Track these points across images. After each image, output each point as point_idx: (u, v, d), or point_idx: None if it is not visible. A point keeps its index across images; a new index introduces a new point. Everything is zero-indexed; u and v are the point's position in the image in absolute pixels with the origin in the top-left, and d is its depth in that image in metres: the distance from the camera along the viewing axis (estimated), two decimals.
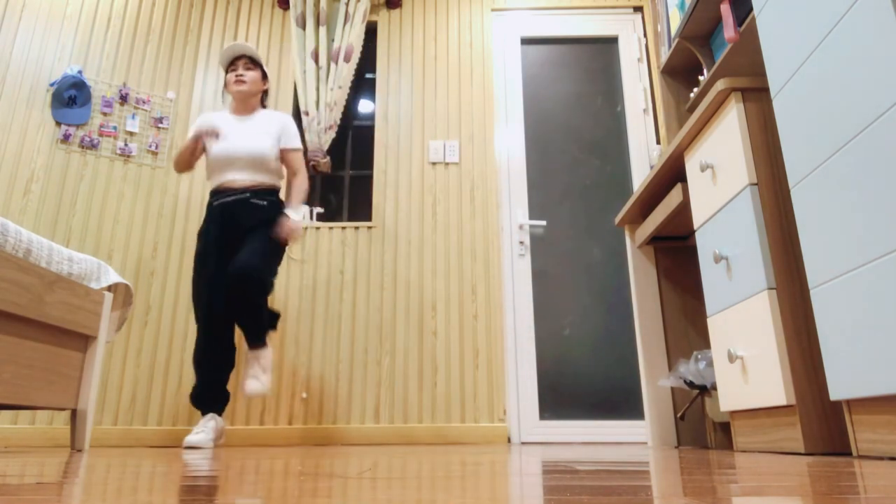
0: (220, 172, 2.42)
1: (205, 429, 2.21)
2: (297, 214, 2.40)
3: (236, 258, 2.25)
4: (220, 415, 2.32)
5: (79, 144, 3.00)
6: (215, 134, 2.33)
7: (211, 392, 2.29)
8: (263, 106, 2.63)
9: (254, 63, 2.52)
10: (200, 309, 2.32)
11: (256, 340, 2.26)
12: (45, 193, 2.88)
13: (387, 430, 2.77)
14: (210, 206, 2.43)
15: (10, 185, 2.82)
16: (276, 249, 2.35)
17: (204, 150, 2.49)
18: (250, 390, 2.19)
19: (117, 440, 2.77)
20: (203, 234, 2.41)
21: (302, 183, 2.49)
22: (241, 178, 2.39)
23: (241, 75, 2.47)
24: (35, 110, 2.95)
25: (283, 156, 2.50)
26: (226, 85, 2.53)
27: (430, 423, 2.78)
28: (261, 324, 2.26)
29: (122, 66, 3.20)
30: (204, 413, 2.29)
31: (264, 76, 2.58)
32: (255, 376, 2.22)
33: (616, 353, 2.93)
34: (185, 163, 2.44)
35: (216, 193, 2.42)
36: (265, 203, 2.39)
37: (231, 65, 2.52)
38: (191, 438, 2.15)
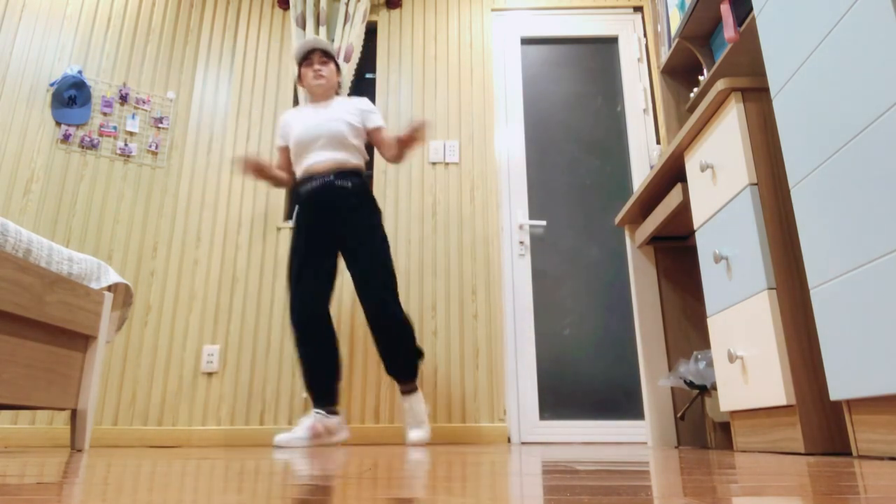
0: (303, 157, 2.40)
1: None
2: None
3: (362, 283, 2.24)
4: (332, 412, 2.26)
5: (79, 144, 3.00)
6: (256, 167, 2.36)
7: (326, 378, 2.23)
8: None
9: (328, 56, 2.53)
10: (298, 306, 2.25)
11: (407, 375, 2.26)
12: (45, 193, 2.88)
13: (387, 430, 2.77)
14: (297, 196, 2.41)
15: (10, 185, 2.82)
16: (383, 256, 2.30)
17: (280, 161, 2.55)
18: (417, 439, 2.21)
19: (117, 440, 2.77)
20: (296, 231, 2.38)
21: (394, 145, 2.44)
22: (322, 158, 2.36)
23: (319, 69, 2.48)
24: (35, 110, 2.95)
25: (373, 136, 2.49)
26: (300, 79, 2.54)
27: (430, 423, 2.78)
28: (408, 353, 2.25)
29: (122, 66, 3.20)
30: (319, 404, 2.22)
31: (338, 68, 2.59)
32: (417, 426, 2.26)
33: (616, 353, 2.93)
34: (276, 181, 2.48)
35: (301, 182, 2.41)
36: (350, 185, 2.35)
37: (305, 59, 2.52)
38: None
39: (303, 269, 2.30)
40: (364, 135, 2.49)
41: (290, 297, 2.30)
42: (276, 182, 2.49)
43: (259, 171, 2.39)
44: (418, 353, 2.30)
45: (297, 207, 2.43)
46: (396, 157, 2.45)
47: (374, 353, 2.90)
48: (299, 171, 2.43)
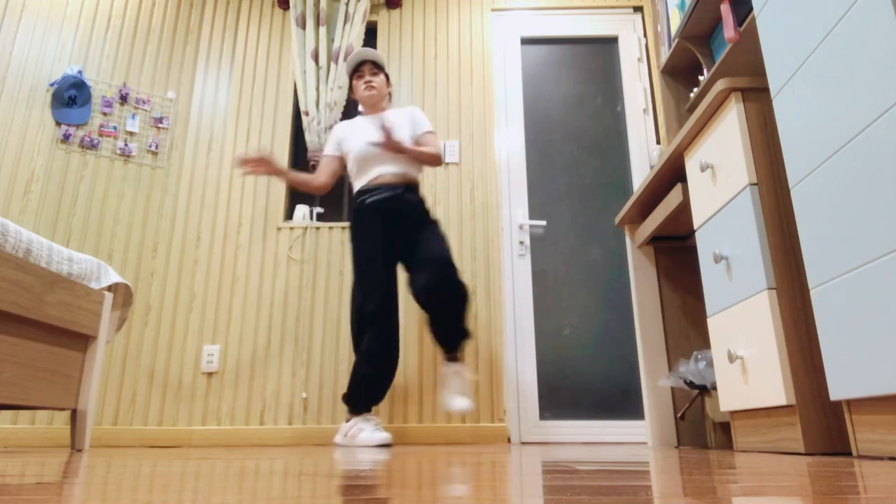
0: (366, 170, 2.43)
1: (379, 426, 2.25)
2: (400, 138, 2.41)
3: (427, 249, 2.27)
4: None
5: (79, 144, 3.00)
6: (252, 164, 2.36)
7: (381, 386, 2.29)
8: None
9: (378, 67, 2.56)
10: (371, 307, 2.28)
11: (459, 343, 2.28)
12: (45, 193, 2.88)
13: (387, 430, 2.77)
14: (362, 204, 2.41)
15: (10, 185, 2.82)
16: (447, 241, 2.39)
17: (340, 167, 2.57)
18: (462, 408, 2.20)
19: (117, 440, 2.77)
20: (364, 236, 2.38)
21: (434, 150, 2.43)
22: (387, 171, 2.41)
23: (370, 81, 2.52)
24: (35, 110, 2.95)
25: (419, 140, 2.52)
26: (352, 90, 2.59)
27: (430, 423, 2.78)
28: (463, 321, 2.27)
29: (122, 66, 3.20)
30: (363, 411, 2.28)
31: (388, 78, 2.62)
32: (463, 394, 2.24)
33: (616, 353, 2.93)
34: (317, 190, 2.50)
35: (365, 192, 2.42)
36: (416, 200, 2.42)
37: (356, 71, 2.56)
38: (376, 436, 2.19)
39: (372, 268, 2.33)
40: (416, 142, 2.53)
41: (359, 293, 2.32)
42: (293, 181, 2.47)
43: (263, 165, 2.35)
44: (467, 303, 2.32)
45: (356, 216, 2.43)
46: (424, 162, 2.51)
47: None
48: (361, 182, 2.45)
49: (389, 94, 2.65)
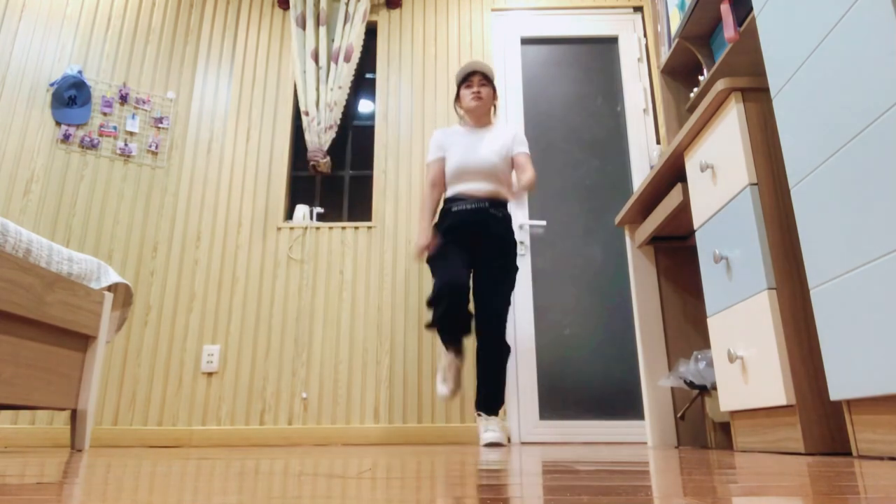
0: (459, 183, 2.47)
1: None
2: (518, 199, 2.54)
3: (487, 300, 2.33)
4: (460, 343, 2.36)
5: (79, 144, 3.00)
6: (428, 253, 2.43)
7: (461, 319, 2.29)
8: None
9: (487, 80, 2.56)
10: (440, 280, 2.28)
11: (494, 408, 2.32)
12: (45, 193, 2.88)
13: (387, 430, 2.77)
14: (448, 210, 2.45)
15: (10, 185, 2.82)
16: (513, 287, 2.43)
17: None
18: (491, 440, 2.23)
19: (117, 440, 2.77)
20: (448, 229, 2.41)
21: (532, 175, 2.46)
22: (478, 188, 2.44)
23: (478, 92, 2.52)
24: (35, 110, 2.95)
25: (514, 160, 2.53)
26: (459, 99, 2.59)
27: (430, 423, 2.78)
28: (500, 386, 2.32)
29: (122, 66, 3.20)
30: (450, 345, 2.33)
31: (495, 92, 2.63)
32: (493, 430, 2.26)
33: (616, 353, 2.93)
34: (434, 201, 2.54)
35: (454, 200, 2.45)
36: (501, 216, 2.44)
37: (465, 81, 2.56)
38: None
39: (449, 255, 2.36)
40: (511, 161, 2.55)
41: (437, 278, 2.32)
42: (432, 217, 2.53)
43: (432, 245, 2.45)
44: (503, 389, 2.36)
45: (441, 217, 2.46)
46: (518, 176, 2.54)
47: (375, 352, 2.90)
48: (453, 191, 2.48)
49: (495, 106, 2.65)
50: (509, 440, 2.79)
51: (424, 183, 2.60)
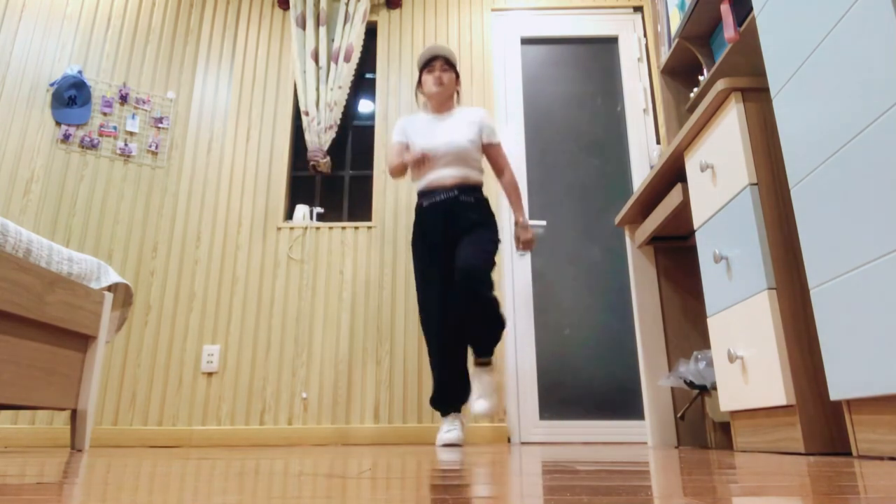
0: (425, 171, 2.42)
1: (455, 426, 2.26)
2: (525, 219, 2.47)
3: (459, 256, 2.26)
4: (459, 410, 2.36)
5: (79, 144, 3.00)
6: (424, 162, 2.35)
7: (452, 392, 2.32)
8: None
9: (449, 65, 2.53)
10: (433, 318, 2.32)
11: (485, 351, 2.27)
12: (45, 193, 2.88)
13: (387, 430, 2.77)
14: (420, 208, 2.43)
15: (10, 185, 2.82)
16: (493, 246, 2.35)
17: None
18: (480, 410, 2.22)
19: (117, 440, 2.77)
20: (420, 241, 2.41)
21: (513, 181, 2.49)
22: (447, 174, 2.39)
23: (440, 77, 2.48)
24: (35, 110, 2.95)
25: (486, 151, 2.50)
26: (420, 85, 2.55)
27: (430, 423, 2.78)
28: (494, 328, 2.25)
29: (122, 66, 3.20)
30: (444, 414, 2.33)
31: (458, 77, 2.59)
32: (482, 396, 2.24)
33: (616, 353, 2.93)
34: (401, 173, 2.47)
35: (425, 194, 2.42)
36: (472, 200, 2.39)
37: (427, 66, 2.53)
38: (445, 436, 2.22)
39: (425, 279, 2.37)
40: (481, 147, 2.50)
41: (419, 300, 2.38)
42: (403, 174, 2.49)
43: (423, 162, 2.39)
44: (502, 326, 2.29)
45: (416, 219, 2.46)
46: (505, 188, 2.52)
47: (374, 352, 2.90)
48: (422, 183, 2.45)
49: (458, 92, 2.60)
50: (509, 440, 2.79)
51: (387, 165, 2.55)
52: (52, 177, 2.92)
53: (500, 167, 2.51)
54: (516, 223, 2.47)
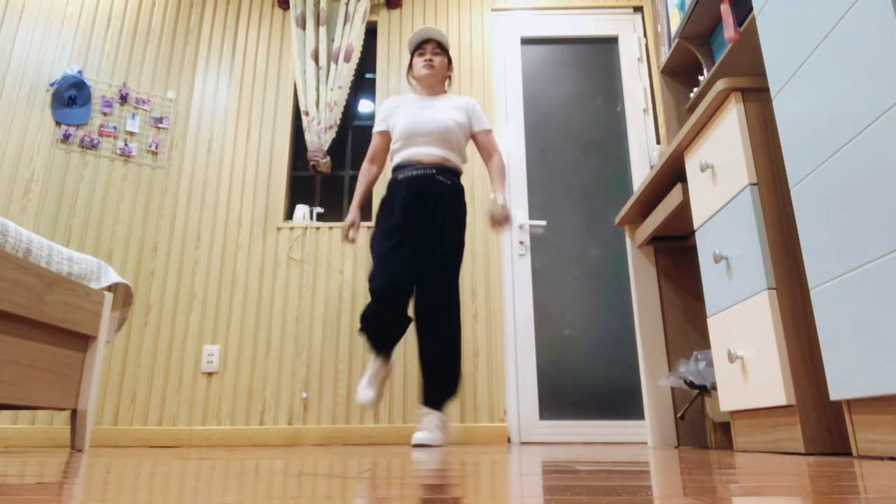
0: (407, 147, 2.35)
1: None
2: (503, 198, 2.33)
3: (425, 280, 2.17)
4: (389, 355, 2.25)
5: (79, 144, 3.00)
6: (351, 234, 2.39)
7: (385, 327, 2.19)
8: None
9: (441, 48, 2.48)
10: (379, 280, 2.14)
11: (437, 405, 2.14)
12: (45, 193, 2.88)
13: (387, 430, 2.77)
14: (395, 181, 2.33)
15: (10, 185, 2.82)
16: (460, 251, 2.29)
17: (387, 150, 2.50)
18: (419, 440, 2.06)
19: (117, 440, 2.77)
20: (387, 205, 2.32)
21: (500, 164, 2.42)
22: (427, 152, 2.33)
23: (430, 60, 2.43)
24: (35, 110, 2.95)
25: (477, 139, 2.46)
26: (411, 68, 2.50)
27: None
28: (451, 376, 2.14)
29: (122, 66, 3.20)
30: (378, 352, 2.23)
31: (450, 62, 2.54)
32: (426, 430, 2.11)
33: (616, 353, 2.93)
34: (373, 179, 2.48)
35: (401, 168, 2.34)
36: (449, 182, 2.32)
37: (418, 48, 2.48)
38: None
39: (389, 246, 2.21)
40: (469, 134, 2.45)
41: (372, 270, 2.20)
42: (363, 201, 2.48)
43: (355, 230, 2.42)
44: (458, 376, 2.18)
45: (387, 191, 2.36)
46: (490, 169, 2.45)
47: None
48: (399, 158, 2.37)
49: (449, 77, 2.55)
50: (509, 440, 2.79)
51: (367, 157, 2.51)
52: (52, 177, 2.91)
53: (489, 152, 2.44)
54: (494, 200, 2.32)
